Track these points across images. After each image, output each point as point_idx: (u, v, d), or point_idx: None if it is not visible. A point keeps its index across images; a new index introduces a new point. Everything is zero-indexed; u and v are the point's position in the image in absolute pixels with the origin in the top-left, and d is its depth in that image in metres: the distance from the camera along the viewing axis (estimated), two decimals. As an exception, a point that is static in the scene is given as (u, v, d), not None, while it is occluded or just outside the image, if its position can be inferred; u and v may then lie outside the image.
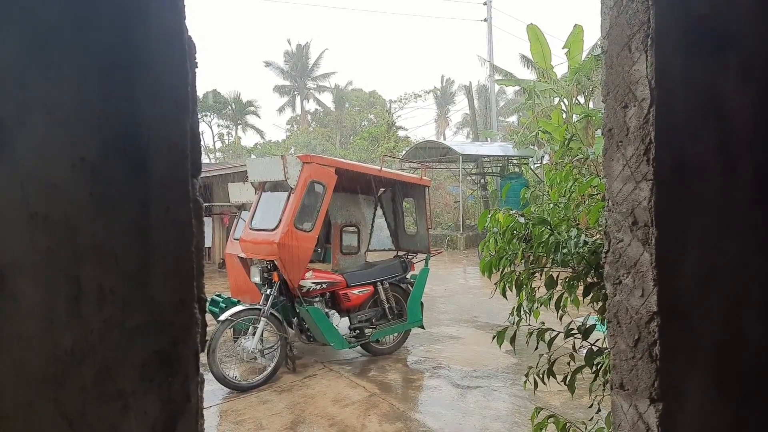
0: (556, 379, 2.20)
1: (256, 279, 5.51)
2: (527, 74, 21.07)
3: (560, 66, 15.04)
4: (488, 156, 18.82)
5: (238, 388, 5.27)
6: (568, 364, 2.21)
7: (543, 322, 2.21)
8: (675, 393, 1.54)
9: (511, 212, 2.14)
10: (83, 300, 0.78)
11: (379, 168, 6.08)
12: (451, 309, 8.84)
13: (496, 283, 2.34)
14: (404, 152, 20.38)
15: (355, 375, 5.68)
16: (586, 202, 2.23)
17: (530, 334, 2.24)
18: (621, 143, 1.60)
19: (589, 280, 2.15)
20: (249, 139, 43.80)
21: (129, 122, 0.82)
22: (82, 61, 0.78)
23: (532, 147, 16.01)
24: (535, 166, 15.76)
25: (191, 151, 0.91)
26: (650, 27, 1.45)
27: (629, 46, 1.55)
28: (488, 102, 25.86)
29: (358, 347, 6.12)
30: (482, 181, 18.86)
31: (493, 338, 2.27)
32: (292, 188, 5.34)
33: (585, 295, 2.13)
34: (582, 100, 14.28)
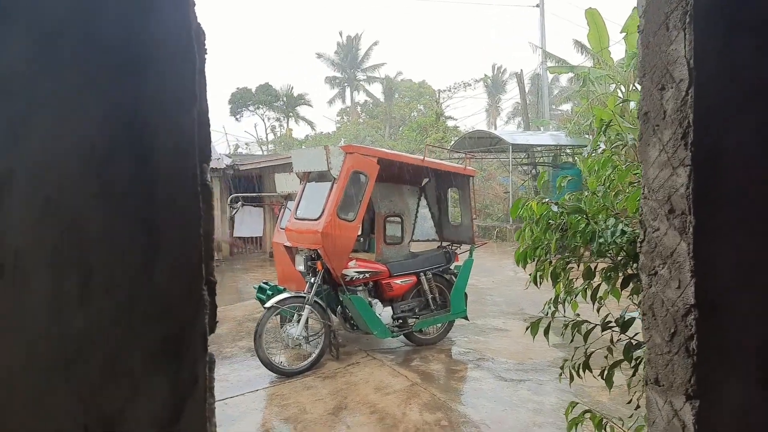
0: (591, 372, 2.13)
1: (301, 267, 5.62)
2: (581, 60, 20.36)
3: (616, 52, 14.42)
4: (539, 146, 18.35)
5: (283, 373, 5.40)
6: (606, 357, 2.14)
7: (578, 314, 2.14)
8: (713, 390, 1.46)
9: (545, 200, 2.08)
10: (93, 285, 0.82)
11: (422, 158, 6.05)
12: (498, 301, 8.72)
13: (531, 274, 2.28)
14: (453, 142, 20.16)
15: (398, 364, 5.71)
16: (627, 190, 2.13)
17: (566, 326, 2.18)
18: (657, 127, 1.52)
19: (628, 271, 2.07)
20: (300, 130, 44.57)
21: (136, 110, 0.85)
22: (88, 52, 0.81)
23: (587, 136, 15.49)
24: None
25: (199, 137, 0.93)
26: (689, 3, 1.36)
27: (666, 25, 1.47)
28: (540, 90, 25.18)
29: (402, 337, 6.15)
30: (533, 171, 18.43)
31: (527, 329, 2.22)
32: (335, 178, 5.40)
33: (624, 286, 2.04)
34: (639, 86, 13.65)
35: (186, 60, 0.90)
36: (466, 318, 6.48)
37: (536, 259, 2.32)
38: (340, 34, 44.85)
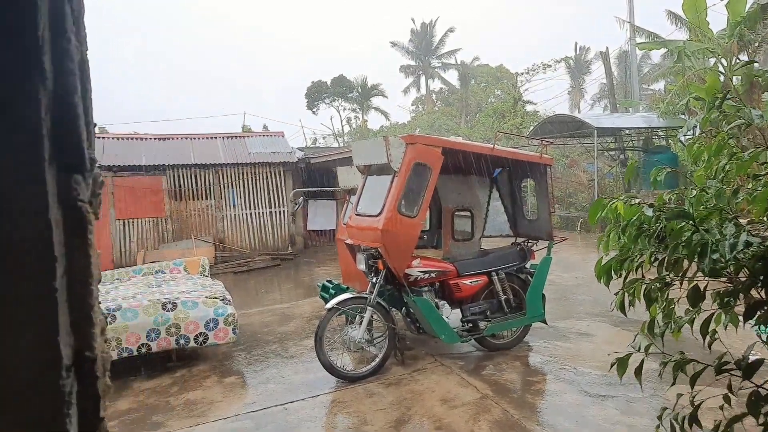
0: (701, 429, 1.61)
1: (362, 266, 5.31)
2: (676, 34, 18.54)
3: (716, 22, 12.81)
4: (628, 129, 16.93)
5: (345, 378, 5.14)
6: (721, 408, 1.61)
7: (683, 352, 1.63)
8: None
9: (635, 201, 1.58)
10: None
11: (492, 146, 5.51)
12: (584, 300, 7.97)
13: (617, 293, 1.79)
14: (531, 128, 19.11)
15: (468, 372, 5.27)
16: (750, 186, 1.58)
17: (664, 364, 1.67)
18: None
19: (755, 295, 1.53)
20: (375, 121, 44.55)
21: None
22: None
23: (682, 116, 14.03)
24: (686, 138, 13.78)
25: (60, 123, 0.58)
26: None
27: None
28: (629, 69, 23.32)
29: (472, 341, 5.69)
30: (621, 156, 17.06)
31: (612, 366, 1.73)
32: (395, 171, 5.02)
33: (748, 317, 1.51)
34: (745, 58, 12.11)
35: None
36: (544, 322, 5.90)
37: (624, 275, 1.82)
38: (413, 21, 44.14)
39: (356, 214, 5.49)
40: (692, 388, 1.59)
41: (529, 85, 28.54)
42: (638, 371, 1.68)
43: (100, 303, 0.74)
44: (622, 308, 1.70)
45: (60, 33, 0.58)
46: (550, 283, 8.41)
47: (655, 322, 1.82)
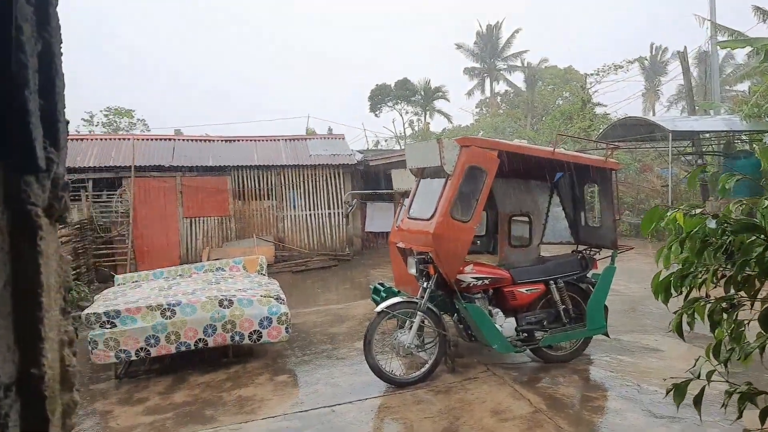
0: (772, 472, 1.41)
1: (413, 270, 5.22)
2: (762, 31, 17.17)
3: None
4: (707, 132, 15.84)
5: (393, 383, 5.07)
6: (798, 449, 1.40)
7: (750, 384, 1.43)
8: None
9: (696, 211, 1.40)
10: None
11: (553, 149, 5.26)
12: (653, 313, 7.47)
13: (677, 312, 1.61)
14: (601, 131, 18.29)
15: (521, 384, 5.05)
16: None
17: (729, 394, 1.48)
18: None
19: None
20: (438, 124, 44.24)
21: None
22: None
23: (768, 119, 12.96)
24: (774, 141, 12.70)
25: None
26: None
27: None
28: (709, 69, 21.86)
29: (528, 351, 5.45)
30: (699, 161, 15.99)
31: (668, 393, 1.55)
32: (449, 174, 4.89)
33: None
34: None
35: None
36: (606, 334, 5.57)
37: (685, 292, 1.63)
38: (479, 23, 43.52)
39: (408, 218, 5.41)
40: (762, 423, 1.39)
41: (599, 86, 27.38)
42: (698, 400, 1.50)
43: (69, 312, 0.70)
44: (679, 331, 1.52)
45: (6, 22, 0.54)
46: (616, 294, 7.99)
47: (721, 345, 1.62)
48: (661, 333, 6.46)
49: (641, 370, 5.29)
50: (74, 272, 9.99)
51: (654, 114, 39.28)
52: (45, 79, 0.63)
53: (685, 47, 19.27)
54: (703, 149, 16.68)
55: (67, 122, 0.70)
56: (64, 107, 0.68)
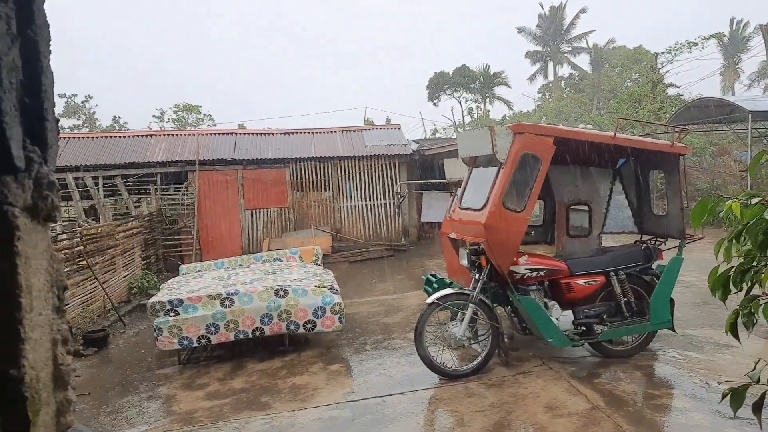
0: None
1: (464, 262, 5.12)
2: None
3: None
4: (793, 111, 14.60)
5: (445, 375, 5.02)
6: None
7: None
8: None
9: (754, 201, 1.27)
10: None
11: (613, 134, 4.99)
12: (724, 306, 6.99)
13: (732, 313, 1.47)
14: (673, 113, 17.25)
15: (578, 379, 4.86)
16: None
17: (794, 402, 1.34)
18: None
19: None
20: (498, 111, 43.25)
21: None
22: None
23: None
24: None
25: None
26: None
27: None
28: (798, 41, 20.05)
29: (586, 346, 5.25)
30: (783, 143, 14.78)
31: (723, 397, 1.43)
32: (501, 163, 4.75)
33: None
34: None
35: None
36: (671, 329, 5.27)
37: (746, 288, 1.49)
38: (541, 5, 42.01)
39: (460, 208, 5.31)
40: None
41: (670, 66, 25.83)
42: (757, 407, 1.36)
43: (63, 310, 0.71)
44: (733, 331, 1.39)
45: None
46: (686, 286, 7.54)
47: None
48: (741, 329, 6.04)
49: (711, 368, 4.97)
50: (144, 262, 10.56)
51: (733, 93, 36.61)
52: (31, 78, 0.63)
53: (769, 20, 17.76)
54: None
55: (57, 120, 0.71)
56: (53, 105, 0.68)
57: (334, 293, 6.18)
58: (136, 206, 12.48)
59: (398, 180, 13.40)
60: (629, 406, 4.33)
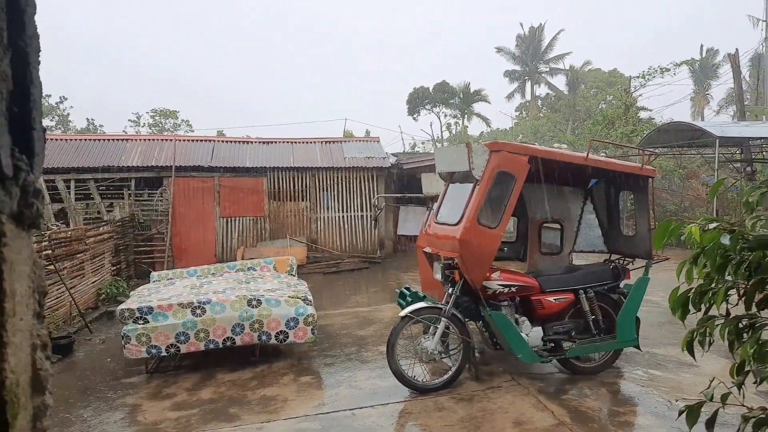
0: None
1: (438, 276, 5.18)
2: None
3: None
4: (757, 138, 15.17)
5: (415, 388, 5.04)
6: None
7: (765, 408, 1.36)
8: None
9: (711, 226, 1.34)
10: None
11: (585, 155, 5.13)
12: (689, 326, 7.20)
13: (688, 333, 1.54)
14: (644, 136, 17.74)
15: (546, 395, 4.94)
16: None
17: (746, 420, 1.41)
18: None
19: None
20: (476, 128, 43.85)
21: None
22: None
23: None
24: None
25: None
26: None
27: None
28: (763, 72, 20.94)
29: (555, 362, 5.34)
30: (748, 169, 15.31)
31: (680, 414, 1.49)
32: (477, 179, 4.83)
33: None
34: None
35: None
36: (637, 347, 5.40)
37: (705, 309, 1.57)
38: (521, 25, 42.94)
39: (436, 222, 5.38)
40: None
41: (644, 90, 26.57)
42: (710, 424, 1.43)
43: (43, 316, 0.72)
44: (690, 349, 1.45)
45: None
46: (652, 305, 7.73)
47: (743, 367, 1.55)
48: (697, 348, 6.20)
49: (674, 386, 5.10)
50: (114, 268, 10.35)
51: (703, 119, 37.83)
52: (19, 87, 0.65)
53: (737, 50, 18.56)
54: (753, 156, 15.98)
55: (44, 129, 0.73)
56: (41, 114, 0.70)
57: (307, 304, 6.16)
58: (108, 211, 12.25)
59: (376, 193, 13.46)
60: (594, 422, 4.42)
